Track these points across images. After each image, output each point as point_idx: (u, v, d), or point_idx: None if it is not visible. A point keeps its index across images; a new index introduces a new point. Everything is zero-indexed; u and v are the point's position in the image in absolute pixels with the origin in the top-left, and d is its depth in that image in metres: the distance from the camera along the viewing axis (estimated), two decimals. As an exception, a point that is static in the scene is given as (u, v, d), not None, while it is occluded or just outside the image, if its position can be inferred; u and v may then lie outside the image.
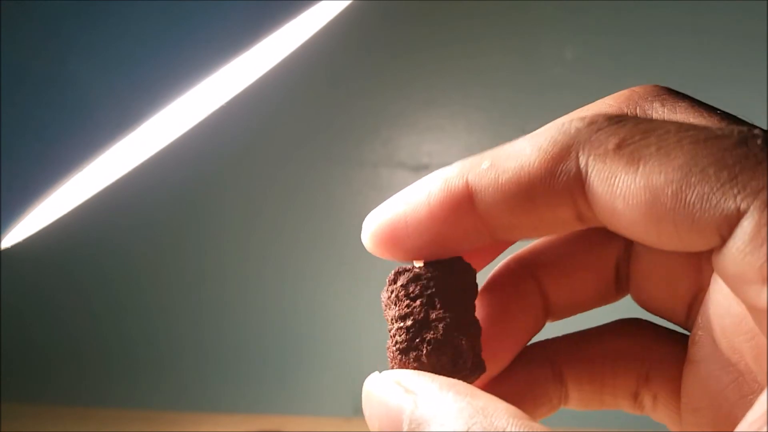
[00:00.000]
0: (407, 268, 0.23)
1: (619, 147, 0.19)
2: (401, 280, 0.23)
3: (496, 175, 0.20)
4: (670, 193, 0.18)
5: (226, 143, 0.78)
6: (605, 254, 0.24)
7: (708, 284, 0.22)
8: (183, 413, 0.83)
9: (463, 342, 0.21)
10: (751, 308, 0.18)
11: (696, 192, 0.17)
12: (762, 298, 0.17)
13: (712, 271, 0.22)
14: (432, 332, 0.21)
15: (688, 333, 0.24)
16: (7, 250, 0.24)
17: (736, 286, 0.18)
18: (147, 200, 0.80)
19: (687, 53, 0.76)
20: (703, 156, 0.18)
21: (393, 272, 0.23)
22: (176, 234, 0.84)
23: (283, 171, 0.82)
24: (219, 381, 0.85)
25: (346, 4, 0.28)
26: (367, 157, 0.81)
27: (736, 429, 0.16)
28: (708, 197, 0.17)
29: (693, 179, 0.17)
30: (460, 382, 0.20)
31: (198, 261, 0.84)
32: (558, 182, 0.19)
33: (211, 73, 0.21)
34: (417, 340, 0.22)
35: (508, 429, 0.18)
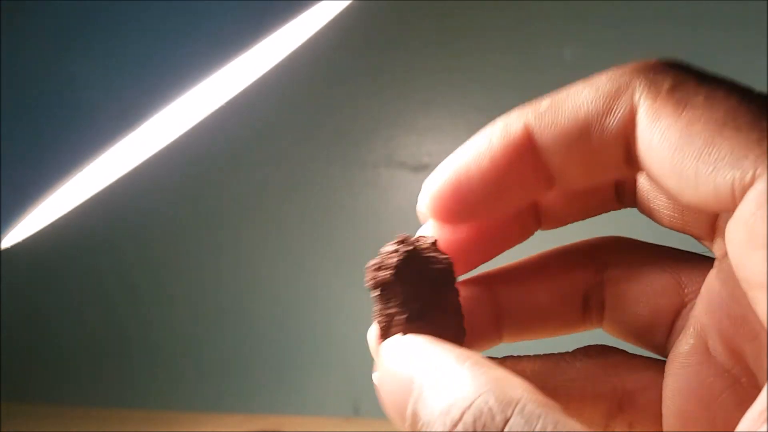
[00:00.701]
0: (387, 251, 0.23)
1: (671, 90, 0.19)
2: (380, 260, 0.23)
3: (555, 115, 0.21)
4: (701, 141, 0.18)
5: (225, 143, 0.78)
6: (572, 280, 0.24)
7: (691, 299, 0.22)
8: (183, 413, 0.83)
9: (445, 317, 0.22)
10: (751, 284, 0.17)
11: (724, 146, 0.17)
12: (762, 267, 0.16)
13: (697, 284, 0.22)
14: (417, 306, 0.22)
15: (662, 358, 0.23)
16: (7, 250, 0.24)
17: (739, 255, 0.17)
18: (146, 201, 0.80)
19: (687, 54, 0.76)
20: (743, 113, 0.18)
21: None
22: (175, 234, 0.84)
23: (283, 171, 0.82)
24: (219, 381, 0.85)
25: (345, 4, 0.28)
26: (367, 157, 0.81)
27: (737, 429, 0.16)
28: (733, 152, 0.17)
29: (726, 133, 0.17)
30: (475, 352, 0.20)
31: (197, 261, 0.84)
32: (613, 118, 0.20)
33: (211, 73, 0.21)
34: (396, 317, 0.22)
35: (522, 400, 0.17)
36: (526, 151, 0.21)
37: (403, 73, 0.80)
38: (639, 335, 0.24)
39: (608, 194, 0.24)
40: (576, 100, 0.21)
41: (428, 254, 0.22)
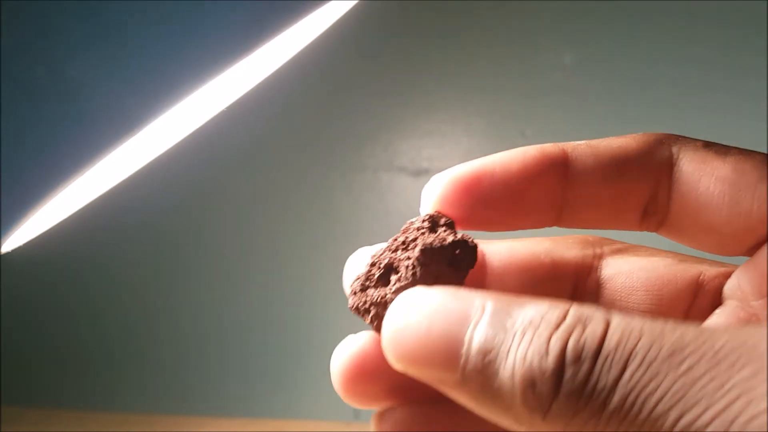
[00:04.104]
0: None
1: (706, 146, 0.22)
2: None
3: (594, 147, 0.23)
4: (755, 175, 0.21)
5: (226, 148, 0.78)
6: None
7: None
8: (184, 417, 0.83)
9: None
10: None
11: None
12: None
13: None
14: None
15: None
16: (7, 254, 0.24)
17: None
18: (147, 204, 0.80)
19: (685, 57, 0.76)
20: None
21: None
22: (177, 238, 0.84)
23: (283, 176, 0.82)
24: (219, 385, 0.84)
25: (346, 9, 0.28)
26: (367, 162, 0.81)
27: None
28: None
29: None
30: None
31: (199, 265, 0.84)
32: (652, 160, 0.22)
33: (212, 77, 0.21)
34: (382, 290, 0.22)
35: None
36: (557, 169, 0.22)
37: (403, 78, 0.80)
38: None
39: (633, 217, 0.24)
40: (614, 142, 0.23)
41: (452, 237, 0.22)
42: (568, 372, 0.16)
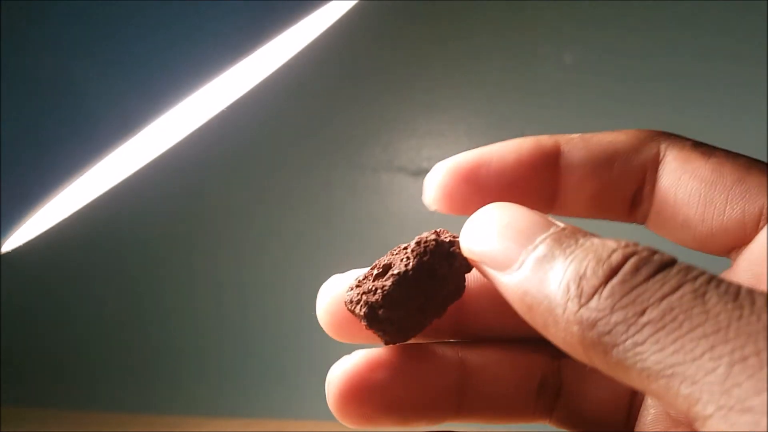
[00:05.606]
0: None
1: (695, 145, 0.23)
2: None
3: (586, 140, 0.24)
4: (732, 177, 0.22)
5: (226, 147, 0.78)
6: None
7: None
8: (183, 417, 0.83)
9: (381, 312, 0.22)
10: None
11: (753, 181, 0.21)
12: None
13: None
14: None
15: None
16: (7, 254, 0.24)
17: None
18: (148, 204, 0.81)
19: (685, 57, 0.76)
20: (759, 163, 0.22)
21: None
22: (176, 238, 0.84)
23: (283, 175, 0.82)
24: (219, 385, 0.84)
25: (346, 8, 0.28)
26: (367, 162, 0.81)
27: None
28: (761, 186, 0.21)
29: (754, 172, 0.22)
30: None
31: (198, 265, 0.84)
32: (640, 155, 0.23)
33: (212, 77, 0.21)
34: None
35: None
36: (551, 161, 0.23)
37: (402, 78, 0.80)
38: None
39: (621, 208, 0.25)
40: (607, 136, 0.24)
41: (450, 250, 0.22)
42: (620, 276, 0.16)
